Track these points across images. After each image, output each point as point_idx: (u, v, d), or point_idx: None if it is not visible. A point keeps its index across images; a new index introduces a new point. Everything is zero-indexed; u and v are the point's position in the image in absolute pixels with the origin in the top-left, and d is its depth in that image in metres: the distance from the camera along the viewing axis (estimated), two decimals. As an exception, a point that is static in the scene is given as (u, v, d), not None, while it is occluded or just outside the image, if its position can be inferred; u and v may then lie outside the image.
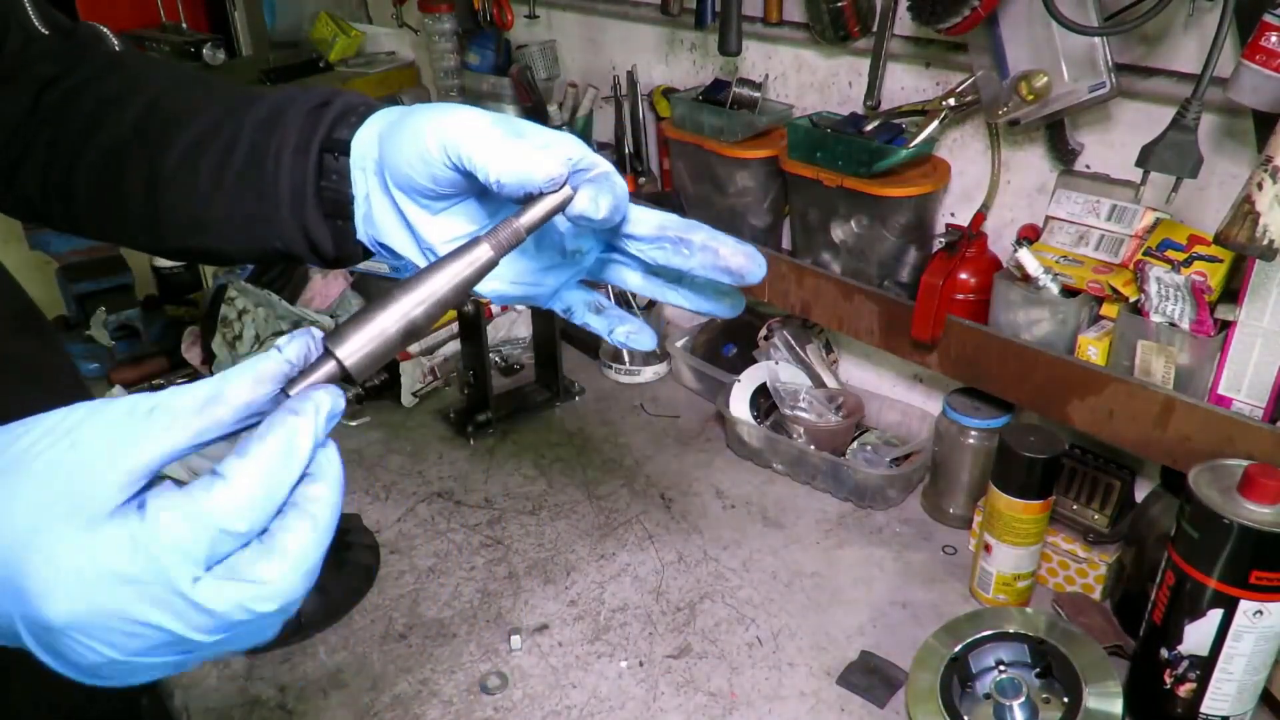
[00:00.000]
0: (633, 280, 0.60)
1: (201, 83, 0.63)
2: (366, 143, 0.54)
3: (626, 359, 1.69)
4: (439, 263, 0.47)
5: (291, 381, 0.42)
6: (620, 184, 0.50)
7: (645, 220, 0.55)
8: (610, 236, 0.57)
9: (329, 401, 0.41)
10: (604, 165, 0.50)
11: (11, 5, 0.62)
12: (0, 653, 0.58)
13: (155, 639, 0.38)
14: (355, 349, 0.44)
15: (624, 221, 0.54)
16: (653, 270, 0.58)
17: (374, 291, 1.74)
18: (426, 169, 0.50)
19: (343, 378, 0.44)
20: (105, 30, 0.67)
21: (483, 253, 0.48)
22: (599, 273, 0.60)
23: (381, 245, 0.57)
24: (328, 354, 0.44)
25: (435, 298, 0.46)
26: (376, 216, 0.55)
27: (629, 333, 0.59)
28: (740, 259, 0.53)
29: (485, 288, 0.56)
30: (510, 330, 1.81)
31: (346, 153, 0.55)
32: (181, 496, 0.38)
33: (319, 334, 0.43)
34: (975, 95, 1.22)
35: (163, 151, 0.58)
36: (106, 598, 0.37)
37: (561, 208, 0.49)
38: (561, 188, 0.49)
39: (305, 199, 0.57)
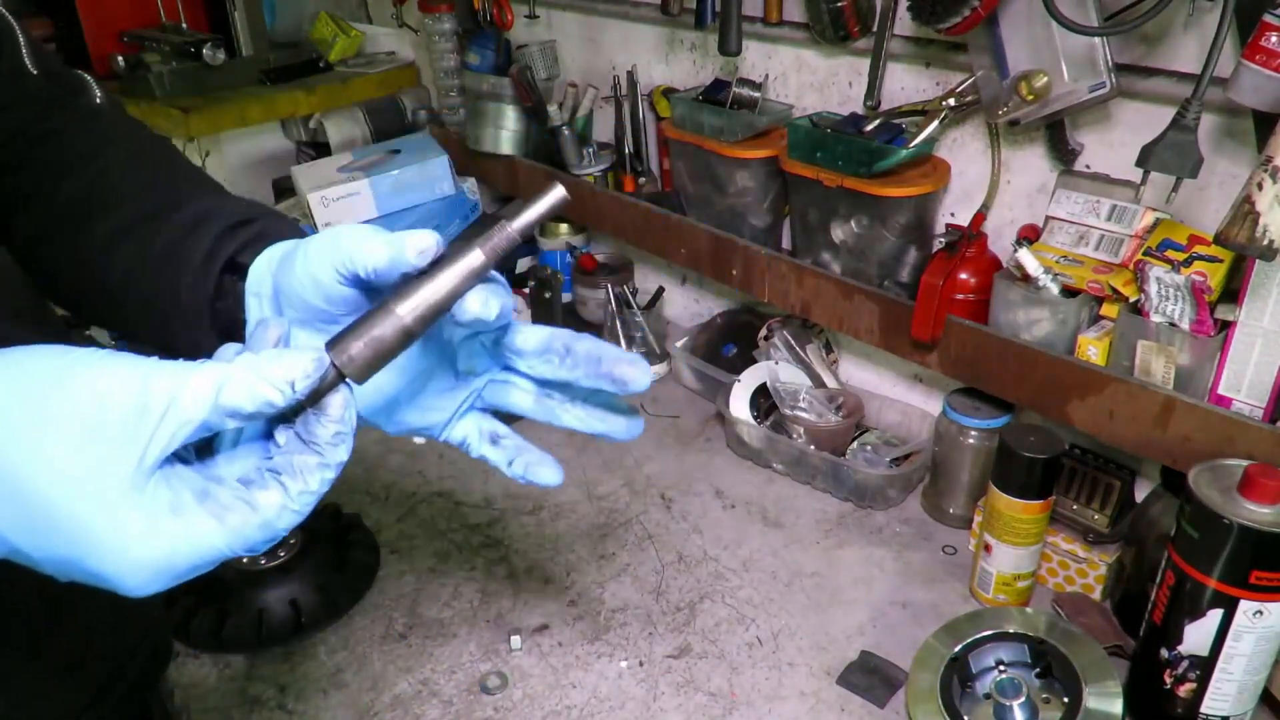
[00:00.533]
0: (524, 402, 0.59)
1: (151, 162, 0.63)
2: (262, 268, 0.53)
3: (626, 359, 1.68)
4: (432, 268, 0.47)
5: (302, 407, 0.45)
6: (504, 287, 0.50)
7: (533, 334, 0.55)
8: (500, 354, 0.56)
9: (350, 439, 0.45)
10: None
11: (8, 36, 0.62)
12: (3, 658, 0.59)
13: None
14: (354, 358, 0.46)
15: (513, 334, 0.55)
16: (546, 393, 0.58)
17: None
18: (319, 290, 0.49)
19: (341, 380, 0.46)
20: (90, 80, 0.67)
21: (475, 258, 0.47)
22: (492, 398, 0.60)
23: None
24: (330, 365, 0.45)
25: (429, 304, 0.47)
26: None
27: (529, 464, 0.58)
28: (624, 367, 0.53)
29: (387, 422, 0.57)
30: (510, 330, 1.80)
31: (244, 277, 0.54)
32: (250, 504, 0.43)
33: (325, 355, 0.45)
34: (975, 95, 1.22)
35: (93, 229, 0.59)
36: (180, 575, 0.42)
37: (555, 209, 0.48)
38: (545, 198, 0.48)
39: (202, 316, 0.56)
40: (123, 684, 0.69)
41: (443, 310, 0.47)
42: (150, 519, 0.40)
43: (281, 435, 0.45)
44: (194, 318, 0.57)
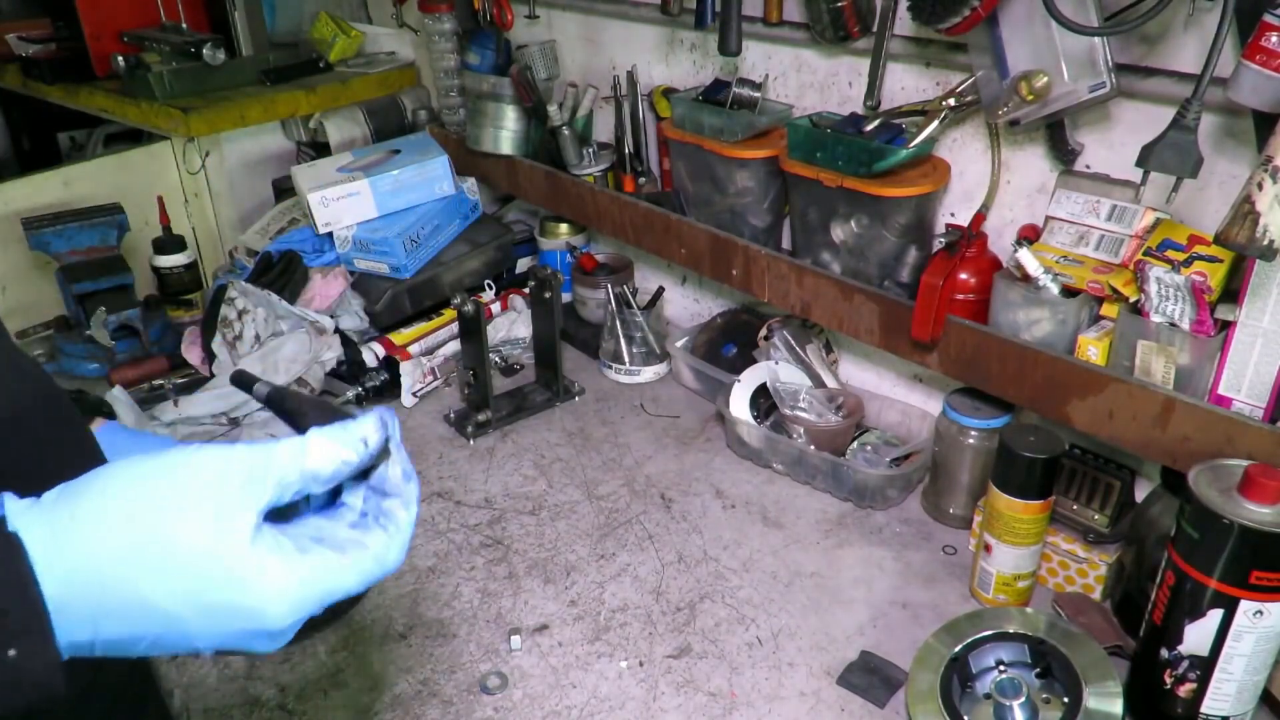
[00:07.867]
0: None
1: None
2: None
3: (627, 359, 1.69)
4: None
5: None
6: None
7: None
8: None
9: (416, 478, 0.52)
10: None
11: None
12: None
13: None
14: None
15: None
16: None
17: (372, 290, 1.73)
18: None
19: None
20: None
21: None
22: None
23: None
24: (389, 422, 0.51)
25: None
26: None
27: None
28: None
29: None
30: (510, 330, 1.81)
31: None
32: (362, 543, 0.49)
33: (390, 413, 0.51)
34: (975, 95, 1.22)
35: None
36: (312, 607, 0.47)
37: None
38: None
39: None
40: None
41: None
42: (283, 558, 0.46)
43: (352, 495, 0.51)
44: None
